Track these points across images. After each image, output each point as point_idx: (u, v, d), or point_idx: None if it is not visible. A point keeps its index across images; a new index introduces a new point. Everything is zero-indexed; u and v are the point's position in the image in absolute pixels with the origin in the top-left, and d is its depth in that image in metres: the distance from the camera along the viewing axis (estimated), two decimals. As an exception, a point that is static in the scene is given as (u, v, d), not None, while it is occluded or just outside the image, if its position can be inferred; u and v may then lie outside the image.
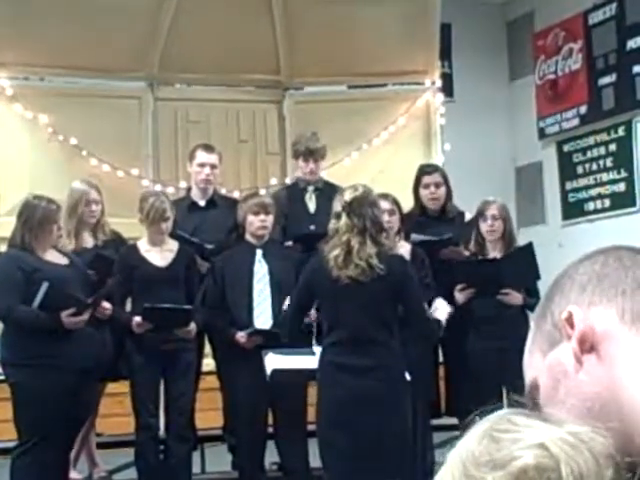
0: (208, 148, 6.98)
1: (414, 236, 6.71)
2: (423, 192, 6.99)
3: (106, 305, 6.11)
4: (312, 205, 6.99)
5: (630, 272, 1.19)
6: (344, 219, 5.07)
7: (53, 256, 5.95)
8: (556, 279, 1.25)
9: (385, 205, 6.03)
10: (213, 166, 6.92)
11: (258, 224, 6.37)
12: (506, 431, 1.07)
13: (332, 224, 5.12)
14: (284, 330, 5.55)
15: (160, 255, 6.33)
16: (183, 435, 6.28)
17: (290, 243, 6.66)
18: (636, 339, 1.14)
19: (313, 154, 6.94)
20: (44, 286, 5.74)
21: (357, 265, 5.01)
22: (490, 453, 1.06)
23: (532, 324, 1.26)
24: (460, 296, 6.40)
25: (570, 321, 1.17)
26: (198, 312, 6.23)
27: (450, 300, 6.34)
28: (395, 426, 5.05)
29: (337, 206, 5.19)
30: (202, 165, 6.89)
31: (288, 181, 7.80)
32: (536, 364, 1.21)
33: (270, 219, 6.41)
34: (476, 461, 1.06)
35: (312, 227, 6.80)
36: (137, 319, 6.10)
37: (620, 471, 1.05)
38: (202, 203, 6.95)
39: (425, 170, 7.15)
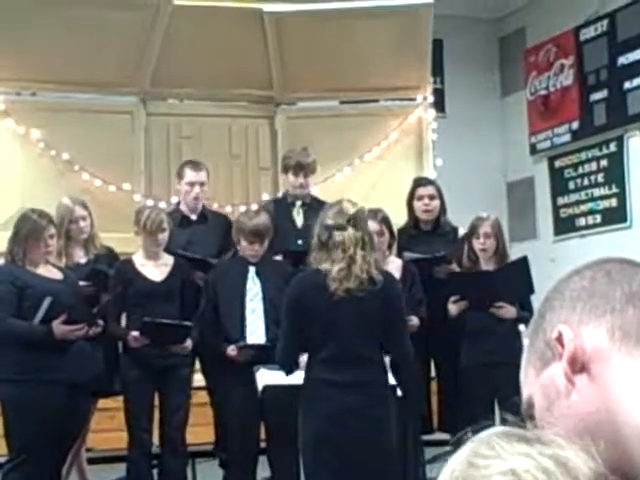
0: (196, 166, 6.96)
1: (406, 254, 6.70)
2: (417, 204, 6.99)
3: (99, 321, 6.09)
4: (300, 220, 6.96)
5: (619, 287, 1.18)
6: (351, 231, 4.97)
7: (47, 270, 5.93)
8: (547, 295, 1.24)
9: (374, 226, 5.99)
10: (202, 184, 6.93)
11: (251, 252, 6.31)
12: (483, 456, 1.06)
13: (336, 236, 4.96)
14: (281, 362, 5.26)
15: (156, 269, 6.29)
16: (179, 450, 6.25)
17: (280, 257, 6.61)
18: (626, 358, 1.13)
19: (304, 168, 6.93)
20: (47, 301, 5.71)
21: (357, 277, 4.95)
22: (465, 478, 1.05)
23: (526, 340, 1.25)
24: (453, 308, 6.39)
25: (560, 340, 1.16)
26: (195, 329, 6.21)
27: (443, 313, 6.35)
28: (382, 442, 5.01)
29: (335, 219, 5.04)
30: (191, 184, 6.90)
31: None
32: (530, 381, 1.21)
33: (265, 245, 6.35)
34: None
35: (299, 242, 6.78)
36: (134, 333, 6.06)
37: None
38: (193, 217, 6.95)
39: (420, 182, 7.19)
